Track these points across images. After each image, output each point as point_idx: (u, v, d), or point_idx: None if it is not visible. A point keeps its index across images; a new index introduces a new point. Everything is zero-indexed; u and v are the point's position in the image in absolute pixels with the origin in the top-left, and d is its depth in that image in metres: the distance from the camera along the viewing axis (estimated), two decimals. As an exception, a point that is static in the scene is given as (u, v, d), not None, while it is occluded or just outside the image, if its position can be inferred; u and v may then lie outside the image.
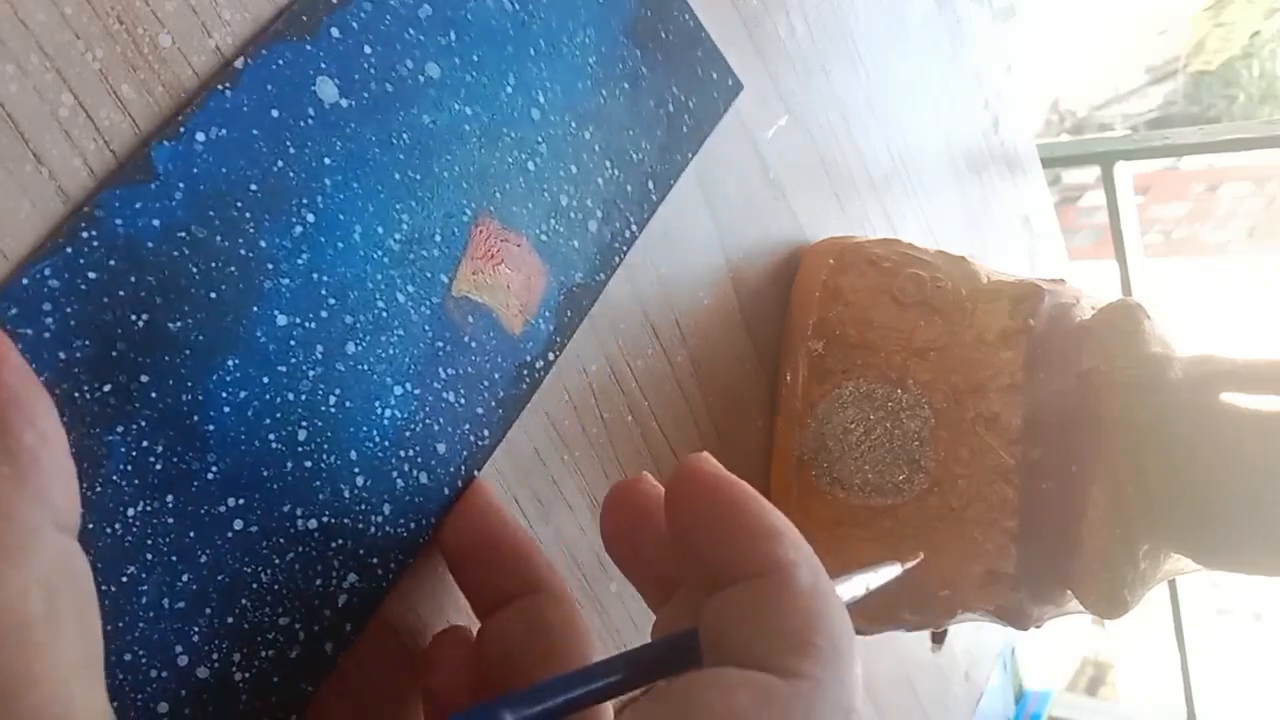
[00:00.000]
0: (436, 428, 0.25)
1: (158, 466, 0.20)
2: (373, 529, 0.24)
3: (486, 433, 0.26)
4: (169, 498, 0.20)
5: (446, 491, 0.25)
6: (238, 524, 0.21)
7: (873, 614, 0.38)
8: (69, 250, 0.18)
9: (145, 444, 0.19)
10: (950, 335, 0.36)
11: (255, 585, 0.21)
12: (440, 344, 0.25)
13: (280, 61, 0.22)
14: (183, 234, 0.20)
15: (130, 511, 0.19)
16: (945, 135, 0.54)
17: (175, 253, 0.20)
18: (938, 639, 0.56)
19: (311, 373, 0.22)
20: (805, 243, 0.41)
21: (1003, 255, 0.63)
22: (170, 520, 0.20)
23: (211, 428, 0.20)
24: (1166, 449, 0.33)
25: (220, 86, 0.21)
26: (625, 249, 0.31)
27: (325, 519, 0.23)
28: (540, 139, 0.28)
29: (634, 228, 0.31)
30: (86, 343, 0.19)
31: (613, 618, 0.32)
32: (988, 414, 0.34)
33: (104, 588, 0.19)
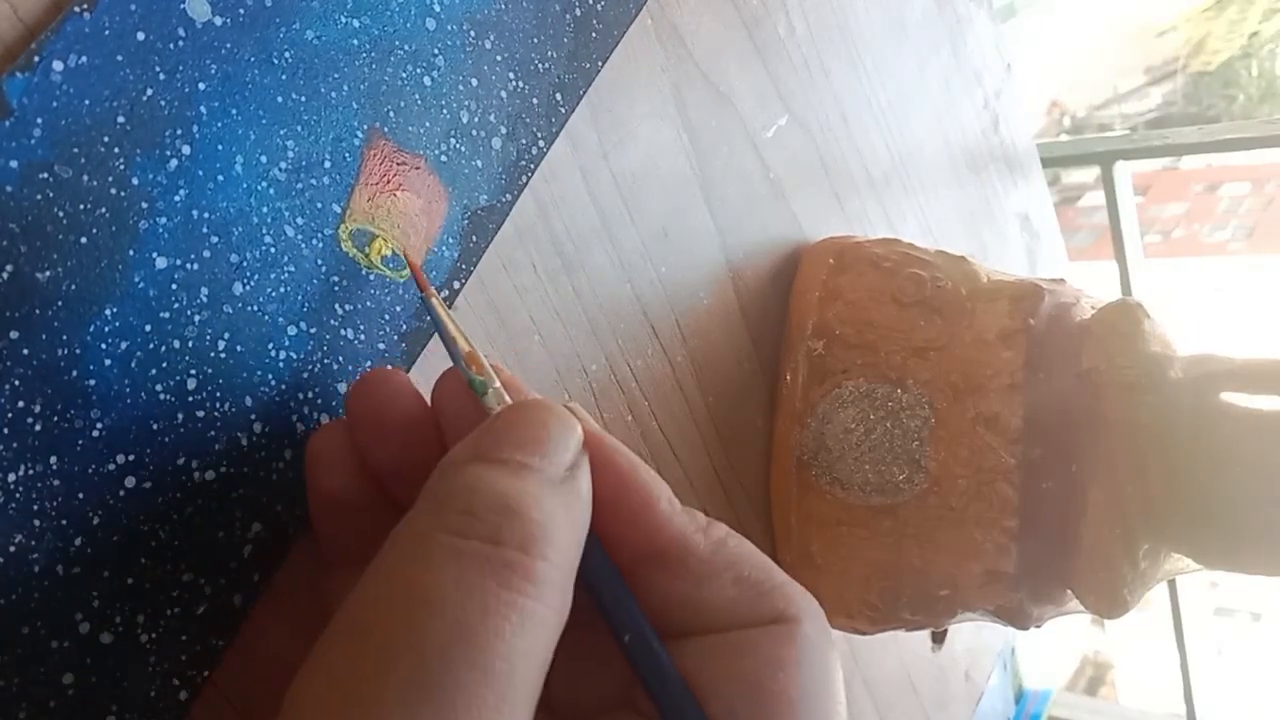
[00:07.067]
0: (336, 367, 0.24)
1: (37, 427, 0.18)
2: (275, 475, 0.22)
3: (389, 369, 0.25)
4: (52, 459, 0.19)
5: None
6: (129, 481, 0.20)
7: (873, 614, 0.38)
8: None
9: (21, 404, 0.18)
10: (950, 335, 0.36)
11: (154, 543, 0.20)
12: (335, 279, 0.23)
13: (143, -23, 0.19)
14: (45, 175, 0.18)
15: (11, 477, 0.18)
16: (945, 135, 0.54)
17: (38, 196, 0.18)
18: (938, 639, 0.56)
19: (197, 317, 0.21)
20: (805, 242, 0.41)
21: (1003, 255, 0.63)
22: (56, 483, 0.19)
23: (92, 382, 0.19)
24: (1166, 449, 0.33)
25: (77, 9, 0.19)
26: (533, 167, 0.29)
27: (223, 469, 0.21)
28: (436, 51, 0.26)
29: (541, 143, 0.29)
30: (-56, 299, 0.17)
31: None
32: (988, 414, 0.34)
33: (-8, 560, 0.18)
